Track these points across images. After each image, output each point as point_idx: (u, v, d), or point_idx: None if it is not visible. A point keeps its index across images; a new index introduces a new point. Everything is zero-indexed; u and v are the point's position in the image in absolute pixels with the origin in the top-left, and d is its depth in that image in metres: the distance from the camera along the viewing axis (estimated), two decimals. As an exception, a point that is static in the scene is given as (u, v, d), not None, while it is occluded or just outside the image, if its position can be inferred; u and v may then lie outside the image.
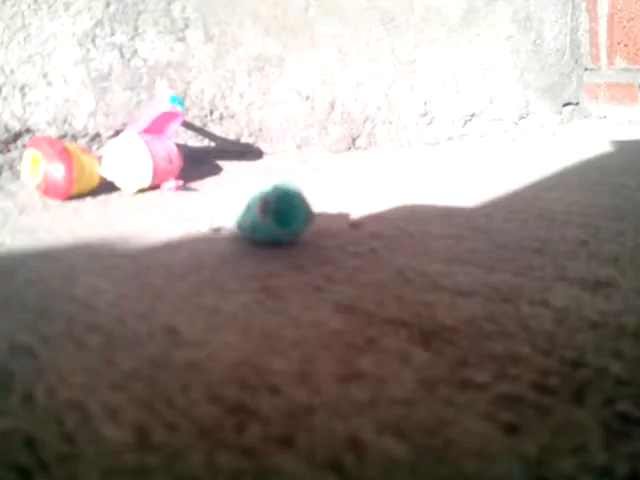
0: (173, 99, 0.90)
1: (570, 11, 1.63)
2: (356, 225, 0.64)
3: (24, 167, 0.85)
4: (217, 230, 0.62)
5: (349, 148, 1.21)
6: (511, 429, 0.27)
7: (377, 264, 0.50)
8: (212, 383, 0.29)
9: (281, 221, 0.54)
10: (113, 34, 0.99)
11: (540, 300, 0.42)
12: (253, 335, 0.35)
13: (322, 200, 0.80)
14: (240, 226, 0.56)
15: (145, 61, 1.02)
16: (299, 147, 1.15)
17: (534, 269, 0.48)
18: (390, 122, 1.27)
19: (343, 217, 0.67)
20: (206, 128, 1.08)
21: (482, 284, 0.44)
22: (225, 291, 0.43)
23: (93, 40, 0.98)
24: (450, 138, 1.37)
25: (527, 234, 0.59)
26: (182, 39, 1.05)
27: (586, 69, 1.71)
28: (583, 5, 1.66)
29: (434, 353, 0.33)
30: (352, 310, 0.39)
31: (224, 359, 0.32)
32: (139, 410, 0.27)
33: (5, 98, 0.91)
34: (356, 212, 0.70)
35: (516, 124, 1.53)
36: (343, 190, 0.87)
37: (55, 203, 0.83)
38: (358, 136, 1.23)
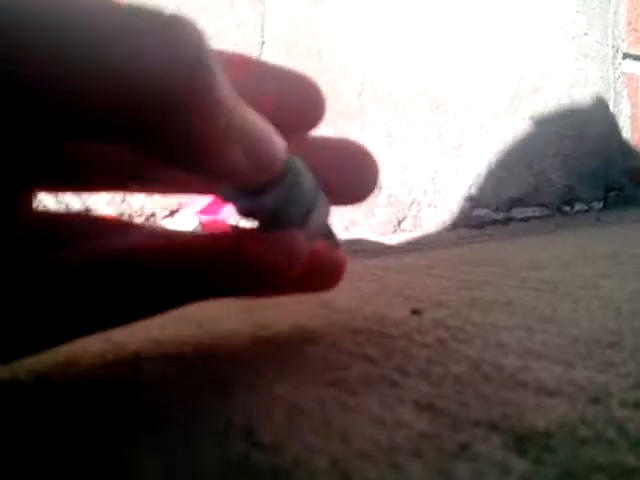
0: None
1: (612, 98, 1.65)
2: (417, 312, 0.62)
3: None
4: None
5: (394, 231, 1.21)
6: None
7: (448, 356, 0.48)
8: (304, 493, 0.27)
9: None
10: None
11: (632, 401, 0.39)
12: (335, 436, 0.33)
13: (378, 283, 0.79)
14: None
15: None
16: (345, 229, 1.15)
17: (616, 365, 0.45)
18: (436, 205, 1.27)
19: (402, 303, 0.66)
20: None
21: (565, 382, 0.42)
22: (295, 382, 0.42)
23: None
24: (495, 222, 1.36)
25: (597, 326, 0.57)
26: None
27: (628, 155, 1.71)
28: (625, 92, 1.68)
29: (533, 462, 0.31)
30: (434, 409, 0.37)
31: (310, 464, 0.30)
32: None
33: (69, 177, 0.93)
34: (414, 298, 0.69)
35: (560, 209, 1.52)
36: (396, 273, 0.86)
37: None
38: (404, 219, 1.23)
